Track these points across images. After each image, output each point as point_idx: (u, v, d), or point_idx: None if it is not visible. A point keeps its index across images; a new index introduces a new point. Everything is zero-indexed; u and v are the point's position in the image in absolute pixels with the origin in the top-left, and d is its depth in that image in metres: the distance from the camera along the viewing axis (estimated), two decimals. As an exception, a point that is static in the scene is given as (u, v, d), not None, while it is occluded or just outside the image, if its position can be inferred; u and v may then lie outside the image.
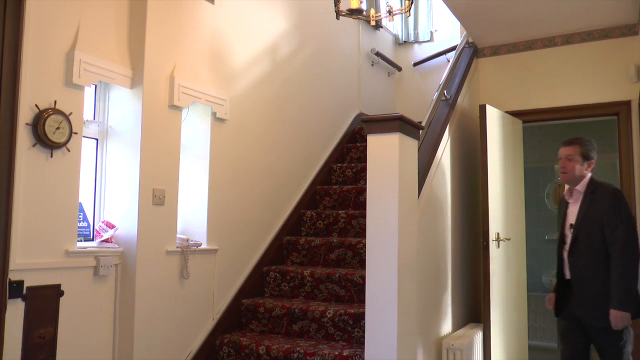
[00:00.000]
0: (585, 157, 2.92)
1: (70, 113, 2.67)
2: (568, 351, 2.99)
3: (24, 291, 2.21)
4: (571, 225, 2.91)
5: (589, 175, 2.95)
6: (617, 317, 2.65)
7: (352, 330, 3.28)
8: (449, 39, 5.99)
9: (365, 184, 2.87)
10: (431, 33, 6.33)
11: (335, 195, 4.50)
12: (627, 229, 2.71)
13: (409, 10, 3.95)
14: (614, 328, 2.67)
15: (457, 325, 3.82)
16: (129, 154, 3.01)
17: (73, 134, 2.69)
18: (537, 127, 5.34)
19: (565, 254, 2.93)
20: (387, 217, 2.70)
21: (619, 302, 2.65)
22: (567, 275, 2.94)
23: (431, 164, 3.43)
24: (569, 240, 2.92)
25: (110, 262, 2.88)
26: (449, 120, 3.86)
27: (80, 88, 2.77)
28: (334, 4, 3.85)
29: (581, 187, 2.92)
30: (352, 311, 3.30)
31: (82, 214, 2.94)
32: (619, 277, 2.67)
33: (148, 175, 3.02)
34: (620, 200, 2.82)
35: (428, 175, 3.36)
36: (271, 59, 4.21)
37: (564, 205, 3.06)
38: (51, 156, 2.61)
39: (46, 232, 2.58)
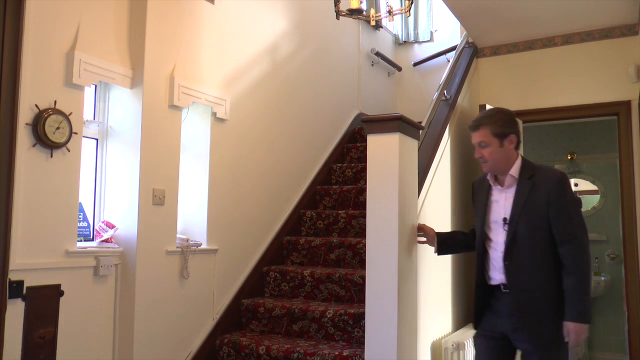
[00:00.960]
0: (501, 135, 2.34)
1: (70, 113, 2.67)
2: None
3: (24, 291, 2.21)
4: (505, 219, 2.34)
5: (519, 155, 2.41)
6: (577, 331, 2.17)
7: (352, 330, 3.28)
8: (449, 39, 6.00)
9: (365, 184, 2.86)
10: (431, 33, 6.33)
11: (335, 195, 4.50)
12: (579, 224, 2.26)
13: (409, 10, 3.96)
14: (572, 345, 2.21)
15: (457, 325, 3.81)
16: (129, 154, 3.01)
17: (73, 134, 2.69)
18: (537, 127, 5.34)
19: (497, 255, 2.36)
20: (387, 217, 2.69)
21: (579, 313, 2.18)
22: (495, 280, 2.37)
23: (431, 164, 3.43)
24: (499, 237, 2.36)
25: (110, 262, 2.88)
26: (449, 120, 3.86)
27: (80, 88, 2.77)
28: (334, 4, 3.85)
29: (515, 171, 2.36)
30: (352, 311, 3.29)
31: (82, 214, 2.94)
32: (577, 282, 2.19)
33: (148, 175, 3.02)
34: (569, 188, 2.32)
35: (428, 175, 3.36)
36: (271, 59, 4.21)
37: (482, 193, 2.50)
38: (51, 156, 2.61)
39: (46, 232, 2.58)
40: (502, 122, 2.36)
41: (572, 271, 2.21)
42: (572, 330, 2.17)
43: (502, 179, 2.41)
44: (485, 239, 2.44)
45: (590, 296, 2.23)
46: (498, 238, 2.37)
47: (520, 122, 4.46)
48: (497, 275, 2.37)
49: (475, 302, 2.49)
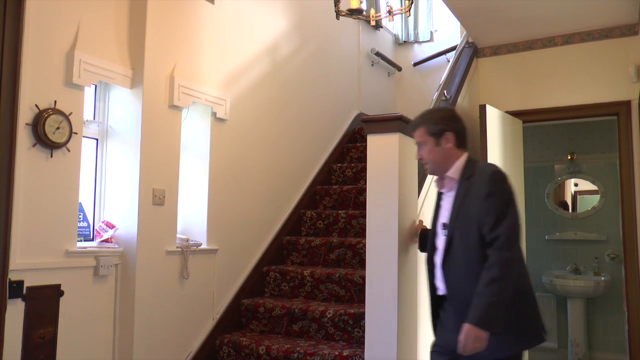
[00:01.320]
0: (436, 134, 2.18)
1: (70, 113, 2.67)
2: None
3: (24, 291, 2.21)
4: (444, 224, 2.18)
5: (462, 155, 2.20)
6: (470, 336, 1.91)
7: (352, 330, 3.28)
8: (449, 39, 6.00)
9: (365, 184, 2.86)
10: (431, 33, 6.33)
11: (335, 195, 4.50)
12: (509, 225, 1.99)
13: (409, 10, 3.95)
14: (460, 351, 1.96)
15: (457, 325, 3.81)
16: (129, 154, 3.01)
17: (73, 134, 2.69)
18: (537, 127, 5.34)
19: (439, 263, 2.19)
20: (387, 217, 2.69)
21: (480, 317, 1.91)
22: (441, 290, 2.21)
23: (431, 164, 3.43)
24: (441, 244, 2.19)
25: (110, 262, 2.88)
26: (449, 120, 3.85)
27: (80, 88, 2.77)
28: (334, 4, 3.85)
29: (454, 172, 2.18)
30: (352, 311, 3.29)
31: (82, 214, 2.94)
32: (489, 284, 1.92)
33: (148, 175, 3.02)
34: (501, 186, 2.06)
35: (428, 175, 3.36)
36: (271, 59, 4.21)
37: (439, 198, 2.35)
38: (51, 156, 2.61)
39: (46, 232, 2.58)
40: (436, 120, 2.22)
41: (488, 273, 1.95)
42: (466, 333, 1.93)
43: (446, 182, 2.25)
44: (434, 248, 2.28)
45: (502, 304, 1.93)
46: (440, 245, 2.21)
47: (520, 122, 4.49)
48: (441, 284, 2.20)
49: (430, 314, 2.34)
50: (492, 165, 2.19)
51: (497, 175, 2.08)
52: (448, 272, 2.15)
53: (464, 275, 2.08)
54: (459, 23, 4.75)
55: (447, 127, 2.19)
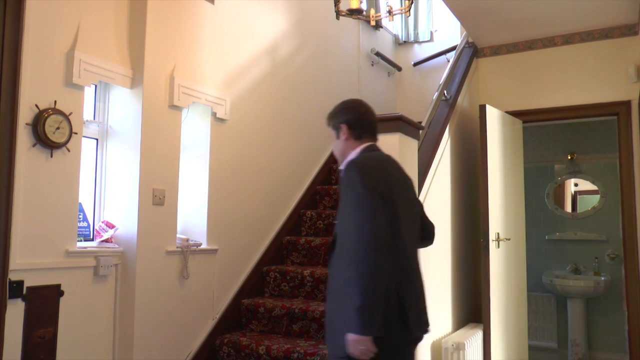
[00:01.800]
0: (335, 127, 2.13)
1: (70, 113, 2.67)
2: None
3: (24, 291, 2.21)
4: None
5: (359, 146, 2.09)
6: (353, 342, 1.83)
7: (352, 330, 3.27)
8: (449, 39, 6.00)
9: (365, 184, 2.86)
10: (431, 33, 6.33)
11: (336, 195, 4.50)
12: (357, 224, 1.84)
13: (409, 10, 3.96)
14: (354, 356, 1.85)
15: (457, 325, 3.82)
16: (129, 154, 3.02)
17: (73, 134, 2.69)
18: (537, 127, 5.35)
19: None
20: (387, 217, 2.69)
21: (355, 324, 1.81)
22: None
23: (431, 164, 3.43)
24: None
25: (110, 262, 2.88)
26: (449, 120, 3.86)
27: (80, 88, 2.77)
28: (334, 4, 3.85)
29: (344, 165, 2.08)
30: (352, 311, 3.29)
31: (82, 214, 2.94)
32: (352, 290, 1.81)
33: (148, 175, 3.02)
34: (352, 179, 1.91)
35: (428, 175, 3.36)
36: (271, 59, 4.21)
37: None
38: (51, 156, 2.61)
39: (46, 232, 2.58)
40: (335, 114, 2.17)
41: (348, 277, 1.84)
42: (349, 341, 1.84)
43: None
44: None
45: (371, 304, 1.81)
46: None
47: (520, 122, 4.49)
48: None
49: None
50: (357, 156, 2.04)
51: (350, 167, 1.95)
52: (330, 266, 2.08)
53: (337, 269, 1.98)
54: (459, 23, 4.75)
55: (341, 119, 2.13)
